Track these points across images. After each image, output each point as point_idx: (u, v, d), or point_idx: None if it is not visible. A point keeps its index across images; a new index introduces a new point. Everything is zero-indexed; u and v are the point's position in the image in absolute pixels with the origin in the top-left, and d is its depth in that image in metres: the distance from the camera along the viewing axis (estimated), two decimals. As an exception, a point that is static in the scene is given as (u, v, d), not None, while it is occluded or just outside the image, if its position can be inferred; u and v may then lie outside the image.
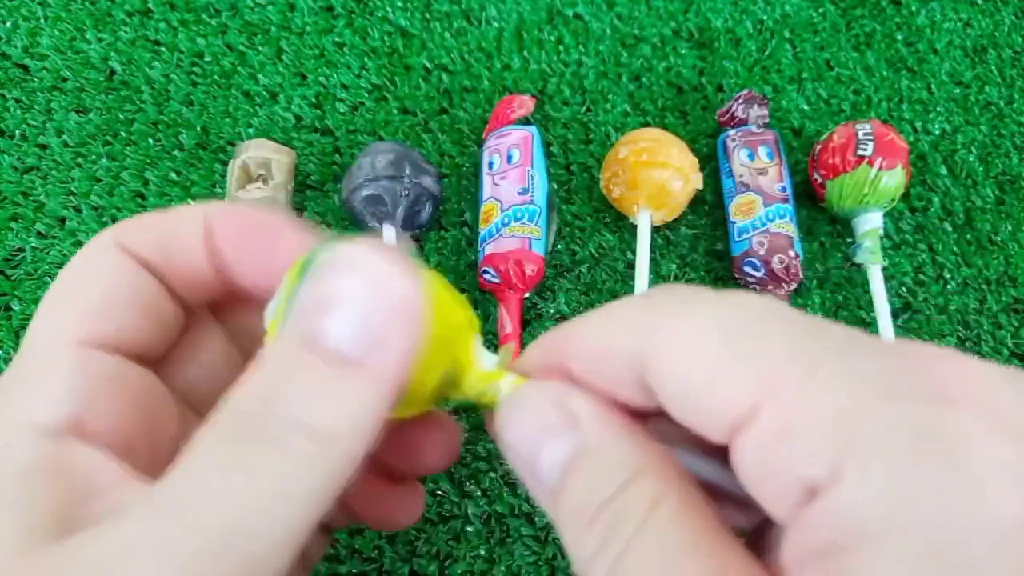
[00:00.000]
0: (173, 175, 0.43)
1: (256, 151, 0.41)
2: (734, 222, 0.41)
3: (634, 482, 0.13)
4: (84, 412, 0.15)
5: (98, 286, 0.16)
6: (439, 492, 0.35)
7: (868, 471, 0.11)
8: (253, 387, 0.13)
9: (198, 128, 0.44)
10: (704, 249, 0.42)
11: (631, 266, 0.41)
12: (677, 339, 0.13)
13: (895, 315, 0.40)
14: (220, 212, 0.17)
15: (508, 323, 0.39)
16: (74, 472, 0.14)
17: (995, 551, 0.10)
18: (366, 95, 0.46)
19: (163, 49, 0.47)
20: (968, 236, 0.43)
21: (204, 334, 0.19)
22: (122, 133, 0.44)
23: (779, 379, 0.12)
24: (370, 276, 0.14)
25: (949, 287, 0.42)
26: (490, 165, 0.42)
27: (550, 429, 0.14)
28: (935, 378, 0.11)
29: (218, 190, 0.43)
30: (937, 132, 0.47)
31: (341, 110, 0.46)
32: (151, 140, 0.44)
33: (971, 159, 0.46)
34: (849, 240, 0.43)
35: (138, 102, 0.45)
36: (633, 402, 0.14)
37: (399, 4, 0.49)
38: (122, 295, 0.16)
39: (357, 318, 0.13)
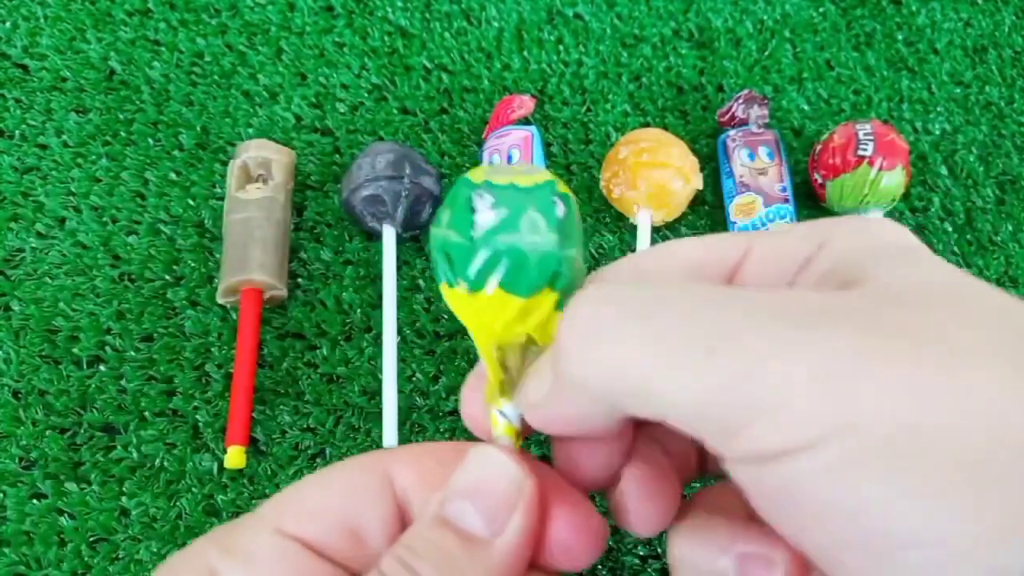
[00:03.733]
0: (173, 175, 0.43)
1: (256, 151, 0.40)
2: (734, 222, 0.41)
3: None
4: None
5: (342, 503, 0.17)
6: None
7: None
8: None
9: (198, 128, 0.44)
10: (704, 249, 0.42)
11: (631, 266, 0.41)
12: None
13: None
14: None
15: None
16: None
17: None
18: (366, 95, 0.46)
19: (163, 49, 0.47)
20: (968, 236, 0.43)
21: None
22: (122, 133, 0.44)
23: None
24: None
25: (949, 287, 0.42)
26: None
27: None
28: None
29: (218, 190, 0.43)
30: (937, 132, 0.47)
31: (341, 110, 0.46)
32: (151, 140, 0.44)
33: (971, 159, 0.46)
34: (849, 240, 0.43)
35: (138, 102, 0.45)
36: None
37: (399, 4, 0.49)
38: (355, 519, 0.17)
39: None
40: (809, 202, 0.43)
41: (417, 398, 0.38)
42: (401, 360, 0.38)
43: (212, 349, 0.39)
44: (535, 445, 0.37)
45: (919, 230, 0.43)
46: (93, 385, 0.37)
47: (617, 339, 0.14)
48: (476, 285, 0.17)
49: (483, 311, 0.17)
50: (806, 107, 0.47)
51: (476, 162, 0.44)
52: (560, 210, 0.17)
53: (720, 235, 0.18)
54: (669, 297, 0.14)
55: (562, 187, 0.17)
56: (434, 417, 0.38)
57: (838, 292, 0.14)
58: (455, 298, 0.17)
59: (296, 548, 0.17)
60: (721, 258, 0.17)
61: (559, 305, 0.17)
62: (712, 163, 0.44)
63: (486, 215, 0.16)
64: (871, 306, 0.13)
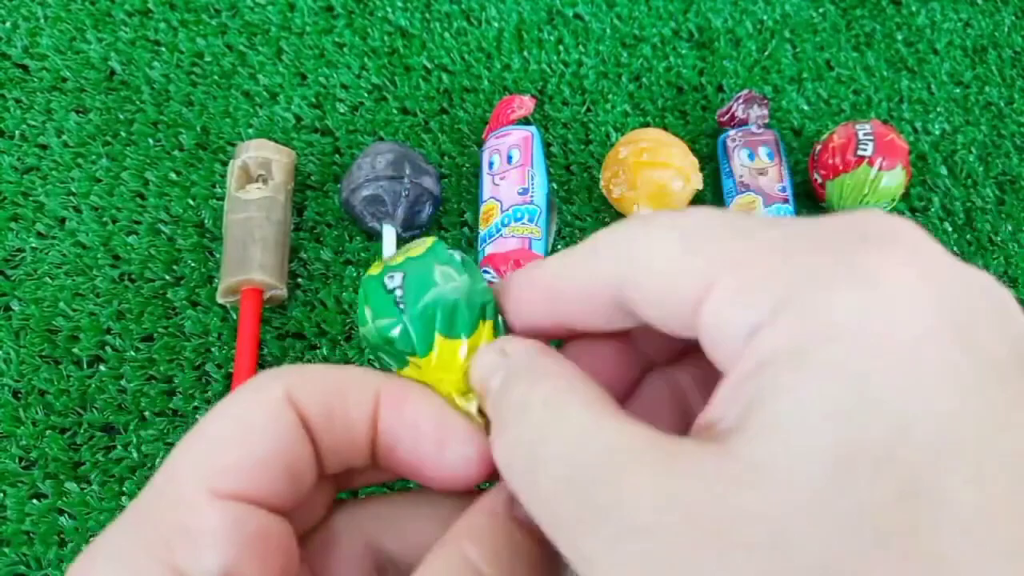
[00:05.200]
0: (173, 175, 0.43)
1: (256, 151, 0.41)
2: (734, 222, 0.41)
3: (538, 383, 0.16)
4: (233, 568, 0.15)
5: (260, 444, 0.16)
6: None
7: (794, 304, 0.13)
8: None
9: (198, 128, 0.44)
10: (704, 249, 0.43)
11: (631, 266, 0.41)
12: (645, 250, 0.16)
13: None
14: (390, 392, 0.18)
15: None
16: None
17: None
18: (366, 95, 0.46)
19: (163, 49, 0.47)
20: (968, 236, 0.43)
21: (323, 492, 0.19)
22: (122, 133, 0.44)
23: (728, 256, 0.15)
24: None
25: (949, 287, 0.42)
26: (490, 165, 0.42)
27: (492, 366, 0.17)
28: (854, 231, 0.14)
29: (218, 190, 0.43)
30: (937, 132, 0.47)
31: (341, 110, 0.46)
32: (151, 140, 0.44)
33: (971, 159, 0.46)
34: (849, 240, 0.43)
35: (138, 102, 0.45)
36: (612, 326, 0.17)
37: (399, 4, 0.49)
38: (279, 458, 0.16)
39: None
40: (809, 202, 0.43)
41: (417, 398, 0.38)
42: (401, 360, 0.38)
43: (212, 349, 0.39)
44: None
45: (919, 230, 0.43)
46: (93, 385, 0.37)
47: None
48: (423, 349, 0.18)
49: (437, 369, 0.18)
50: (806, 107, 0.47)
51: (476, 162, 0.44)
52: (458, 256, 0.18)
53: (694, 244, 0.15)
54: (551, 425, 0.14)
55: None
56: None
57: (703, 461, 0.12)
58: (412, 373, 0.18)
59: (245, 510, 0.16)
60: (685, 294, 0.15)
61: (496, 332, 0.18)
62: (712, 163, 0.44)
63: (402, 288, 0.18)
64: (706, 512, 0.12)
